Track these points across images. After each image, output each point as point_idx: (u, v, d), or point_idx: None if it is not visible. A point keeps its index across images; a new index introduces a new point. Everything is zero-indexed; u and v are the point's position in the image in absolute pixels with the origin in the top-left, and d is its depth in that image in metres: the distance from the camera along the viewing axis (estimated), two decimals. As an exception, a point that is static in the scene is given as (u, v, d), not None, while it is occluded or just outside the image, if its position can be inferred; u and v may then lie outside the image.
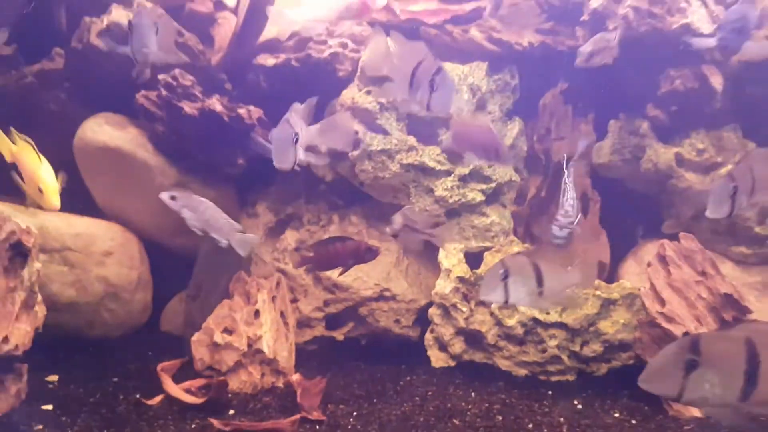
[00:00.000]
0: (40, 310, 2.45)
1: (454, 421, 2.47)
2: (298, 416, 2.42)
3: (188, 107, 2.50)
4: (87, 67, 2.83)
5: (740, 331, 1.59)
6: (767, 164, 1.86)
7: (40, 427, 2.37)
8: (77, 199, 2.86)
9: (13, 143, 2.41)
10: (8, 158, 2.48)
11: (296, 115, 2.10)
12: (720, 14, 2.67)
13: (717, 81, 2.70)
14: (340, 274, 2.47)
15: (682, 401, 1.61)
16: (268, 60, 2.74)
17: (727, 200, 1.87)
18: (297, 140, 2.03)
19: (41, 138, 2.68)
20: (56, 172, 2.45)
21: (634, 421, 2.51)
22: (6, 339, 2.32)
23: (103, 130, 2.86)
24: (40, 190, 2.21)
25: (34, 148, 2.32)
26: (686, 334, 2.57)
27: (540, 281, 1.99)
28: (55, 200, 2.25)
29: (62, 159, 2.83)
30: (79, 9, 2.96)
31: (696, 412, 2.65)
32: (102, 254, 2.82)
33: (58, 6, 2.88)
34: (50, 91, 2.86)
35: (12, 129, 2.35)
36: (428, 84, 1.95)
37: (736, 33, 2.12)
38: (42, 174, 2.24)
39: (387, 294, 2.78)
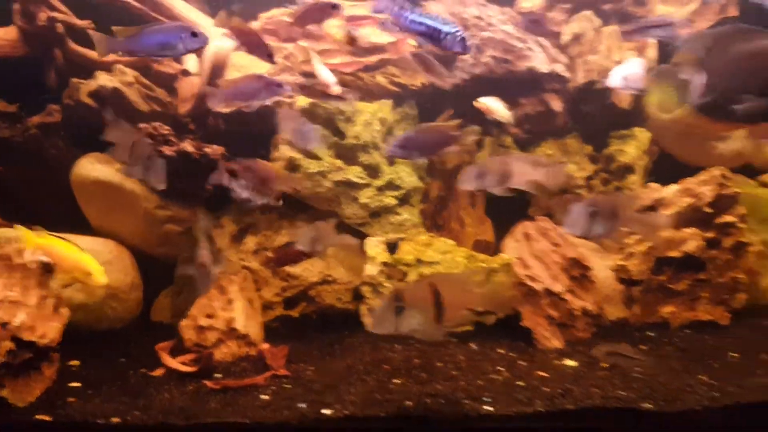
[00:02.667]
0: (65, 311, 2.90)
1: (385, 366, 3.03)
2: (269, 373, 2.95)
3: (167, 150, 3.00)
4: (78, 119, 3.28)
5: (424, 280, 2.41)
6: (517, 160, 2.61)
7: (74, 399, 2.78)
8: (76, 222, 3.37)
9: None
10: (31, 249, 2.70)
11: None
12: (557, 56, 3.42)
13: (557, 105, 3.36)
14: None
15: (399, 332, 2.32)
16: (224, 109, 3.15)
17: (473, 180, 2.67)
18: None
19: (46, 176, 3.22)
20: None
21: (513, 354, 3.10)
22: (44, 335, 2.75)
23: (94, 167, 3.33)
24: (89, 274, 2.59)
25: (63, 239, 2.67)
26: (546, 289, 3.35)
27: None
28: (104, 278, 2.64)
29: (62, 191, 3.35)
30: (66, 71, 3.38)
31: (557, 344, 3.26)
32: (102, 264, 3.38)
33: (49, 69, 3.35)
34: (50, 139, 3.28)
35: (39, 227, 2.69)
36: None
37: None
38: (86, 260, 2.61)
39: (329, 279, 3.35)
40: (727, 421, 2.57)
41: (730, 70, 2.24)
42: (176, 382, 2.94)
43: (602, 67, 3.28)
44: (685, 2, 3.33)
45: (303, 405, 2.68)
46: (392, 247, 3.35)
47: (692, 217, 3.08)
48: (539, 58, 3.13)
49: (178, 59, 3.16)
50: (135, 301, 3.44)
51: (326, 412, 2.67)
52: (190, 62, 3.09)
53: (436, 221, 3.59)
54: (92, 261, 2.68)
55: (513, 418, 2.59)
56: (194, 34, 2.55)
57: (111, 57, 3.21)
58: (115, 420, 2.61)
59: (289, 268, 3.27)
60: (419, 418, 2.63)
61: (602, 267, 3.31)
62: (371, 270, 3.24)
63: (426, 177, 3.55)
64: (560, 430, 2.61)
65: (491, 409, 2.64)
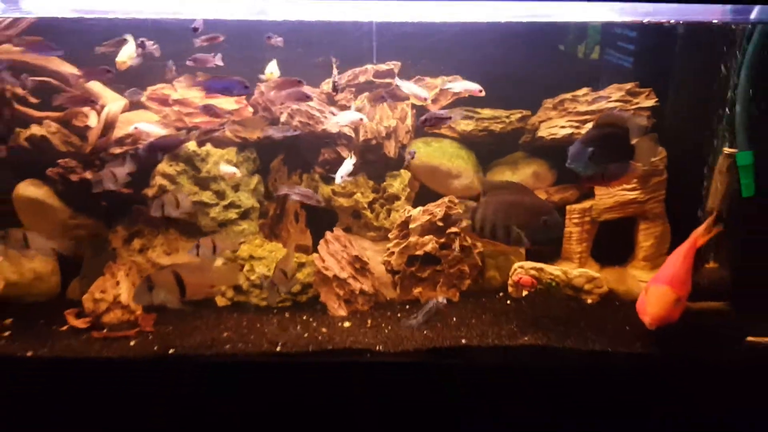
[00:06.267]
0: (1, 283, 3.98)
1: (221, 326, 3.87)
2: (137, 329, 3.84)
3: (74, 177, 3.97)
4: (18, 156, 4.19)
5: (168, 267, 3.20)
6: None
7: (4, 341, 3.71)
8: (15, 225, 4.12)
9: None
10: None
11: None
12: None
13: (346, 154, 4.28)
14: None
15: (154, 303, 3.17)
16: (117, 150, 4.11)
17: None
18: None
19: None
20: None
21: (311, 320, 3.98)
22: None
23: (28, 188, 4.20)
24: None
25: None
26: (335, 275, 4.34)
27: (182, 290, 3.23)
28: None
29: (6, 205, 4.25)
30: (12, 123, 4.21)
31: (342, 312, 4.07)
32: (32, 255, 4.16)
33: (0, 121, 4.19)
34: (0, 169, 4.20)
35: None
36: None
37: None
38: None
39: (193, 269, 4.48)
40: (426, 357, 3.69)
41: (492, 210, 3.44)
42: (75, 334, 3.84)
43: (375, 130, 4.38)
44: (432, 87, 4.56)
45: (156, 347, 3.68)
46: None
47: (430, 228, 4.22)
48: (331, 123, 4.31)
49: (85, 116, 4.23)
50: (55, 283, 4.30)
51: (170, 351, 3.75)
52: (92, 118, 4.18)
53: (274, 231, 4.59)
54: None
55: (292, 354, 3.70)
56: (245, 87, 3.67)
57: (42, 113, 4.31)
58: (29, 354, 3.59)
59: (162, 261, 4.37)
60: (232, 355, 3.71)
61: (380, 262, 4.45)
62: (218, 262, 4.20)
63: (264, 200, 4.58)
64: (321, 362, 3.71)
65: (280, 349, 3.76)
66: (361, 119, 4.07)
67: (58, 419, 3.41)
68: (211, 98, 4.21)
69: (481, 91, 4.13)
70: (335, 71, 4.00)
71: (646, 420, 3.41)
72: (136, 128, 4.04)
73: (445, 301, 3.95)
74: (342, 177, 4.03)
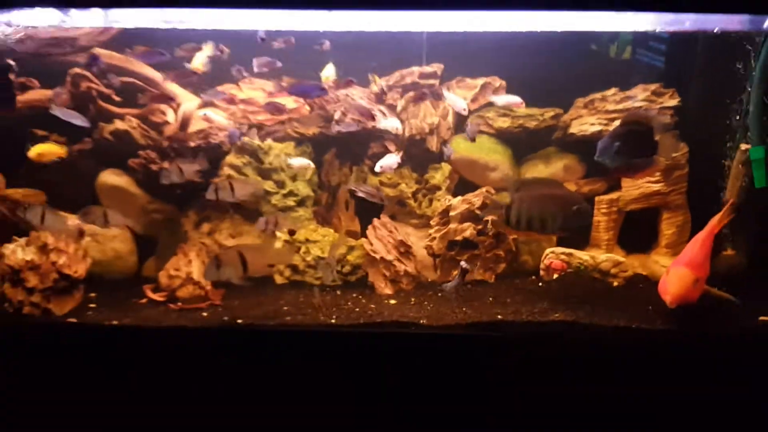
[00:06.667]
0: (89, 258, 4.20)
1: (280, 301, 4.18)
2: (209, 302, 4.18)
3: (154, 167, 4.44)
4: (102, 147, 4.69)
5: (233, 248, 3.57)
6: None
7: (91, 312, 4.03)
8: None
9: None
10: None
11: None
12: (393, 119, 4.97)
13: (393, 147, 4.66)
14: None
15: (221, 279, 3.56)
16: (191, 144, 4.55)
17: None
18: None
19: (83, 182, 4.67)
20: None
21: (360, 297, 4.26)
22: (76, 271, 4.03)
23: (110, 176, 4.62)
24: None
25: None
26: (381, 258, 4.84)
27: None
28: None
29: (90, 192, 4.72)
30: (96, 118, 4.70)
31: (388, 291, 4.42)
32: (113, 237, 4.65)
33: (86, 116, 4.55)
34: (86, 159, 4.61)
35: None
36: None
37: None
38: None
39: (251, 251, 4.92)
40: (465, 330, 4.06)
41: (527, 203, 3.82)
42: (153, 306, 4.20)
43: (419, 126, 4.77)
44: (472, 87, 4.95)
45: (225, 318, 4.02)
46: (292, 232, 4.82)
47: (468, 216, 4.59)
48: (383, 122, 4.64)
49: (163, 112, 4.72)
50: (132, 262, 4.70)
51: (239, 321, 4.18)
52: (170, 115, 4.68)
53: (326, 218, 4.96)
54: None
55: (344, 326, 4.08)
56: (322, 89, 4.19)
57: (123, 110, 4.81)
58: (114, 322, 3.88)
59: (227, 243, 4.83)
60: (292, 325, 4.14)
61: (422, 247, 4.84)
62: (278, 244, 4.61)
63: (318, 189, 4.97)
64: (369, 333, 4.07)
65: (334, 321, 4.13)
66: (397, 128, 4.51)
67: (139, 378, 3.80)
68: (273, 98, 4.66)
69: (521, 104, 4.51)
70: (374, 78, 4.41)
71: (664, 388, 3.73)
72: (204, 115, 4.52)
73: (468, 265, 4.27)
74: (381, 167, 4.46)
